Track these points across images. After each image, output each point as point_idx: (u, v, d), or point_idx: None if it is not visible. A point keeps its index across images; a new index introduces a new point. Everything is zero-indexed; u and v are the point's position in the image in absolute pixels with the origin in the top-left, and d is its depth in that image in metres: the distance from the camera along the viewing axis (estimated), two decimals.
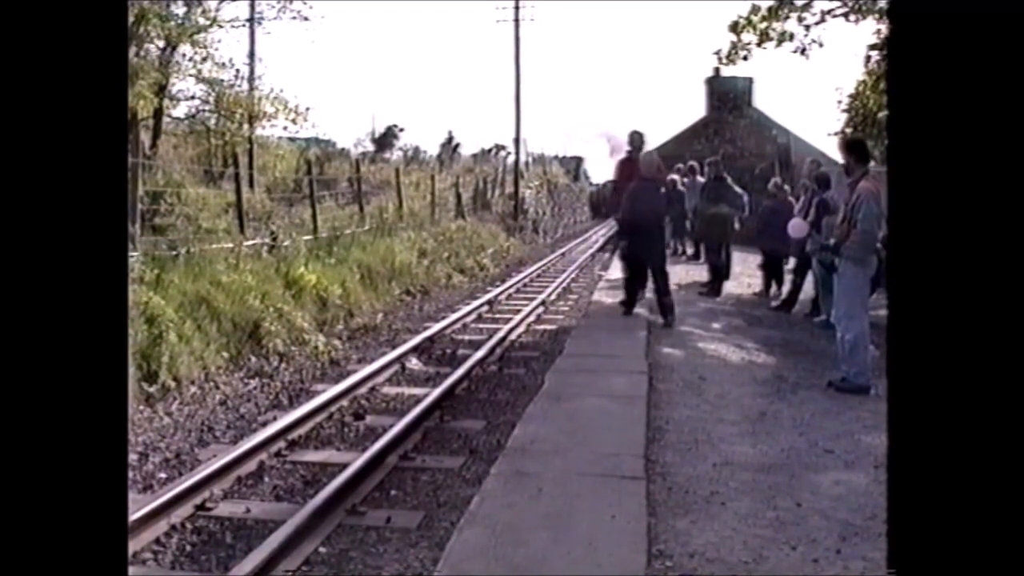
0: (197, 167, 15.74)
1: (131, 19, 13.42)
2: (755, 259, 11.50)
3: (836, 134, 21.76)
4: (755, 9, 14.07)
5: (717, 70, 20.72)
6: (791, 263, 10.26)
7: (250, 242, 10.51)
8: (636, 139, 10.02)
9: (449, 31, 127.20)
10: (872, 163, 6.72)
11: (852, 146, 6.29)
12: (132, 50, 14.22)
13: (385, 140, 38.78)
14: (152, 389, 6.32)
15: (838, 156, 7.93)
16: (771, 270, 10.96)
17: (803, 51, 14.03)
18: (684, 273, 12.46)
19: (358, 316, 10.56)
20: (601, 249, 23.74)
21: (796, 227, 8.40)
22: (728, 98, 24.17)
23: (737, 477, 4.05)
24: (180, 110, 18.37)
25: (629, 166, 9.64)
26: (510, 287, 14.10)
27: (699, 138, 23.20)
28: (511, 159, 31.70)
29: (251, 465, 5.00)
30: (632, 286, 9.06)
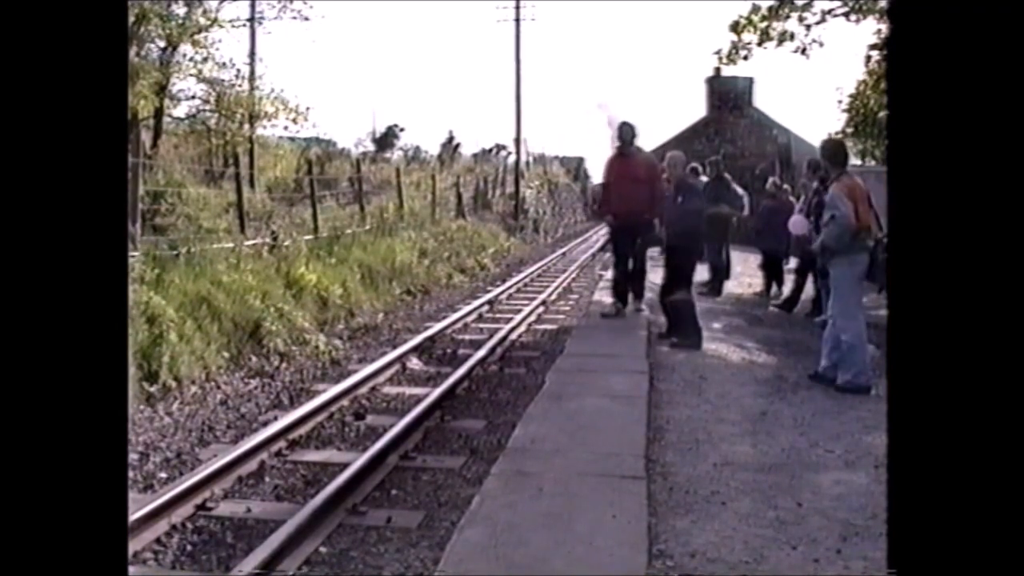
0: (198, 167, 15.74)
1: (132, 19, 13.42)
2: (755, 259, 11.50)
3: (837, 134, 21.81)
4: (756, 9, 14.07)
5: (717, 70, 20.71)
6: (792, 263, 10.25)
7: (251, 242, 10.51)
8: (627, 131, 8.63)
9: (449, 31, 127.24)
10: (873, 162, 6.83)
11: (826, 149, 6.42)
12: (133, 50, 14.22)
13: (386, 140, 38.71)
14: (153, 389, 6.33)
15: None
16: (771, 270, 10.96)
17: (803, 51, 14.04)
18: None
19: (359, 316, 10.56)
20: (602, 249, 23.73)
21: (796, 224, 8.35)
22: (728, 98, 24.17)
23: (738, 477, 4.05)
24: (181, 110, 18.38)
25: (619, 163, 8.65)
26: (511, 287, 14.10)
27: (699, 138, 23.19)
28: (512, 159, 31.72)
29: (252, 465, 5.00)
30: (628, 286, 8.73)
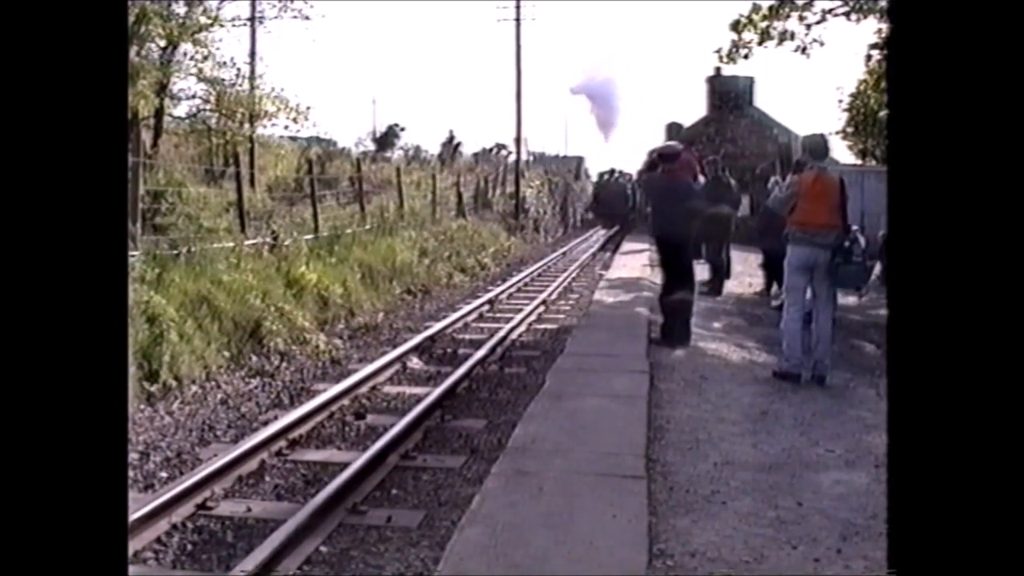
0: (198, 166, 15.74)
1: (132, 18, 13.42)
2: (755, 259, 11.49)
3: (837, 133, 21.84)
4: (756, 8, 14.09)
5: (718, 69, 20.73)
6: None
7: (251, 241, 10.50)
8: (674, 130, 8.13)
9: (450, 30, 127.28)
10: (873, 162, 7.10)
11: (806, 143, 6.67)
12: (133, 49, 14.22)
13: (386, 139, 38.75)
14: (153, 388, 6.33)
15: (838, 155, 8.00)
16: (771, 269, 10.94)
17: (804, 50, 14.06)
18: None
19: (359, 315, 10.56)
20: (602, 248, 23.73)
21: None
22: (729, 97, 24.13)
23: (738, 476, 4.05)
24: (181, 109, 18.39)
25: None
26: (511, 286, 14.09)
27: (700, 137, 23.16)
28: (512, 158, 31.71)
29: (252, 464, 5.00)
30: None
